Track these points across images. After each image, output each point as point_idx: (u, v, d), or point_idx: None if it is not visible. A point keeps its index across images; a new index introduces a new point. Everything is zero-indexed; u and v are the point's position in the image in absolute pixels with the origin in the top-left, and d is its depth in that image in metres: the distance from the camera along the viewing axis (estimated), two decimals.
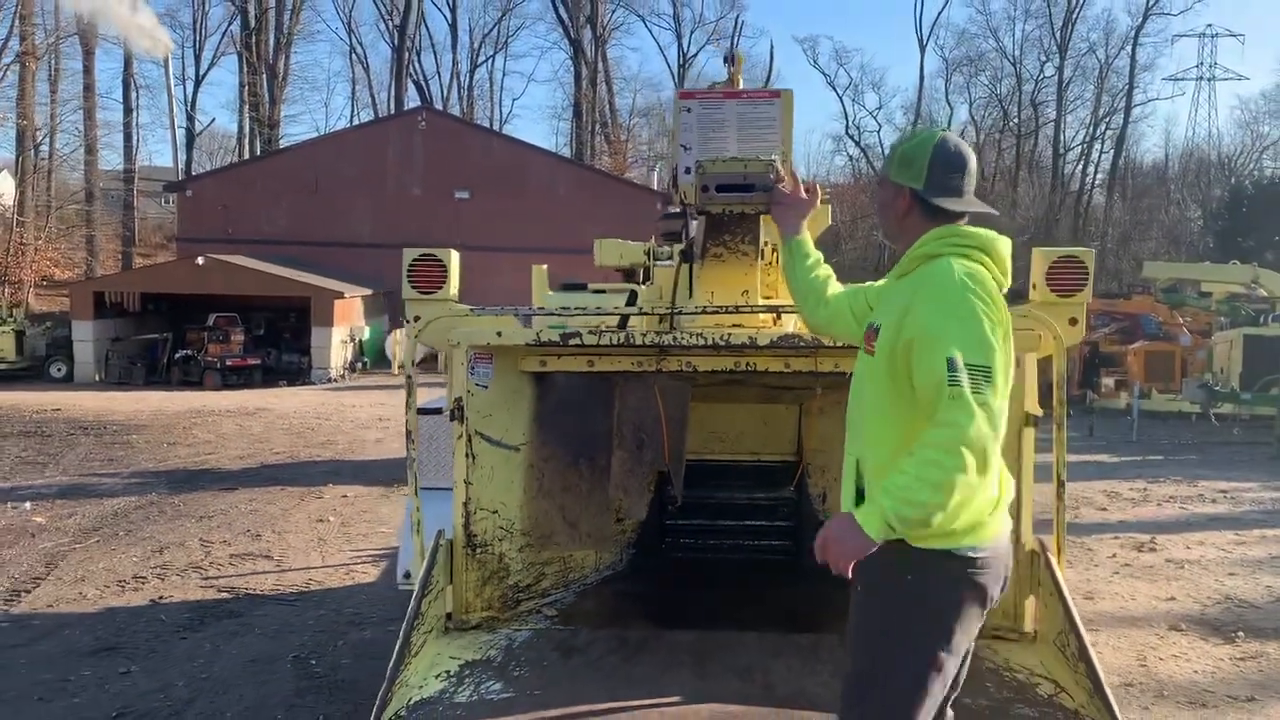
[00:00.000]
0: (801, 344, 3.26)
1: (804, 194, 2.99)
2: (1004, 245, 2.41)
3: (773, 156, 3.28)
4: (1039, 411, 3.54)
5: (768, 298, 3.78)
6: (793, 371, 3.43)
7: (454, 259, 3.64)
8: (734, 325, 3.54)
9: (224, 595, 6.52)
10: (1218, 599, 6.63)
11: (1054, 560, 3.35)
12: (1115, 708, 2.86)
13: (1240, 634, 5.85)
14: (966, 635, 2.34)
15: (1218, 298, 20.91)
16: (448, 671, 3.21)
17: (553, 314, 4.02)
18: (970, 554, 2.26)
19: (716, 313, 3.56)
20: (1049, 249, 3.52)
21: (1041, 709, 3.02)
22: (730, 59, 4.18)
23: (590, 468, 3.82)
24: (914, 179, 2.42)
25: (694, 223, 3.79)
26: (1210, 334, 20.35)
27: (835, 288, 2.80)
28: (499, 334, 3.48)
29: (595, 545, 3.89)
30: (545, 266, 5.18)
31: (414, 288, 3.61)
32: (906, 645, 2.29)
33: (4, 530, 8.43)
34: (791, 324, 3.65)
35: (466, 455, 3.57)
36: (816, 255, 2.85)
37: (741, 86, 4.09)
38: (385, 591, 6.54)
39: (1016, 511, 3.48)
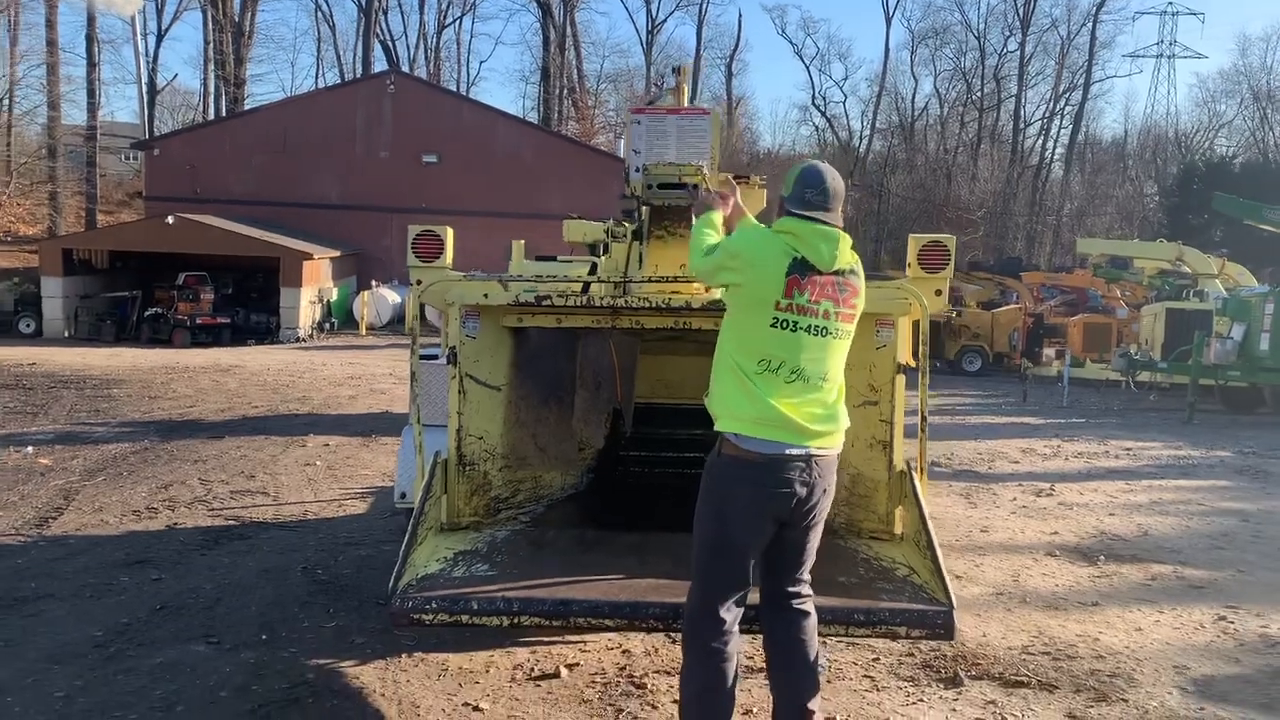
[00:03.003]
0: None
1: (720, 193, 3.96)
2: (808, 230, 3.37)
3: (701, 163, 4.21)
4: (912, 363, 4.50)
5: None
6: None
7: (449, 234, 4.51)
8: (674, 292, 4.46)
9: (231, 522, 7.39)
10: (1094, 534, 7.72)
11: (917, 479, 4.31)
12: (948, 582, 3.82)
13: (1102, 558, 6.93)
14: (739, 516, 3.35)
15: (1149, 273, 22.17)
16: (445, 557, 4.13)
17: (529, 280, 4.91)
18: (732, 439, 3.32)
19: (660, 282, 4.48)
20: (920, 235, 4.47)
21: (897, 584, 3.99)
22: (677, 70, 5.09)
23: (558, 404, 4.75)
24: (785, 190, 3.48)
25: (644, 209, 4.69)
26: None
27: None
28: (485, 295, 4.37)
29: (561, 467, 4.82)
30: (523, 241, 6.08)
31: (417, 256, 4.47)
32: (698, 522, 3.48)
33: (14, 470, 9.20)
34: (720, 291, 4.58)
35: (459, 392, 4.48)
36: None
37: (686, 95, 5.01)
38: (375, 520, 7.47)
39: (889, 440, 4.46)
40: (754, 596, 3.55)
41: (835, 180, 3.46)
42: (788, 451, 3.30)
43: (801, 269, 3.32)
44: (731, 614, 3.40)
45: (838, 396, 3.47)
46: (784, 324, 3.31)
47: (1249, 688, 4.68)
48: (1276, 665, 4.98)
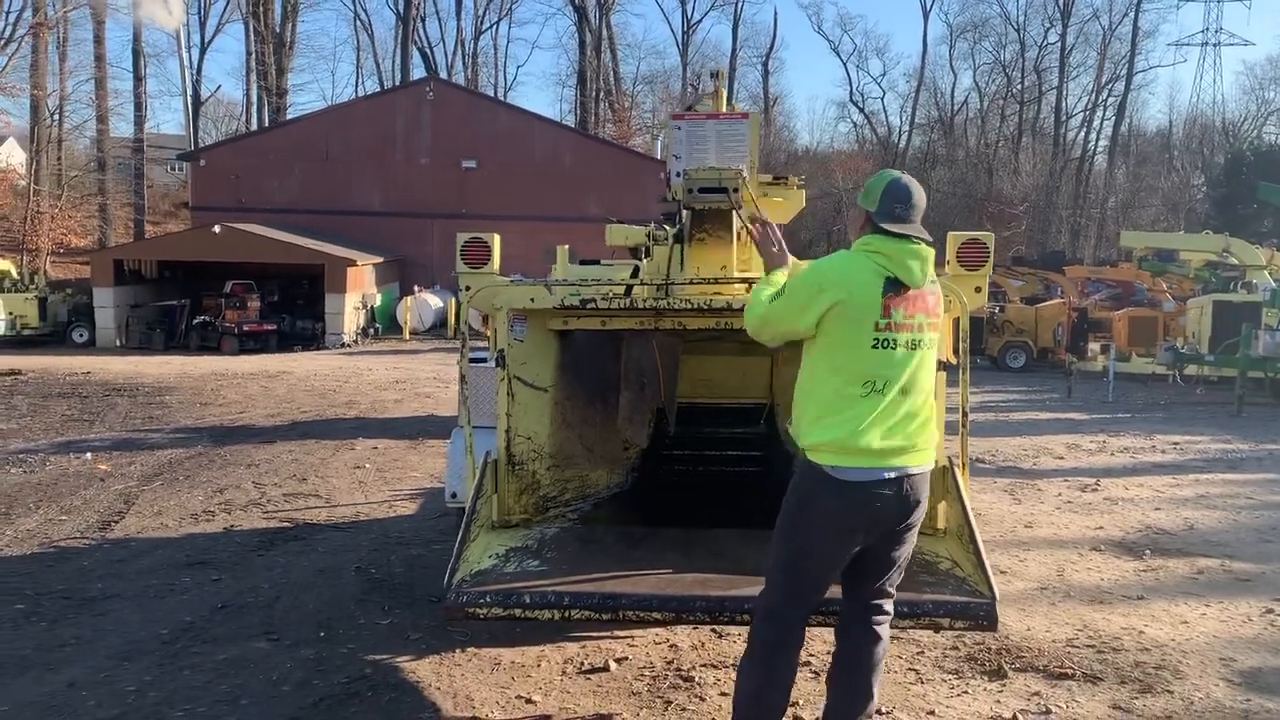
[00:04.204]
0: None
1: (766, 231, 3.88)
2: (899, 250, 3.35)
3: (740, 166, 4.30)
4: (952, 360, 4.55)
5: (741, 272, 4.80)
6: None
7: (496, 241, 4.64)
8: (715, 293, 4.55)
9: (285, 525, 7.59)
10: (1139, 528, 7.68)
11: (959, 474, 4.37)
12: (990, 575, 3.88)
13: (1148, 552, 6.91)
14: (825, 534, 3.36)
15: (1195, 265, 21.86)
16: (497, 554, 4.25)
17: (573, 284, 5.02)
18: (827, 470, 3.30)
19: (701, 284, 4.57)
20: (959, 233, 4.51)
21: (940, 577, 4.05)
22: (715, 74, 5.19)
23: (603, 405, 4.87)
24: (869, 204, 3.44)
25: (685, 213, 4.79)
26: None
27: None
28: (532, 300, 4.49)
29: (607, 466, 4.93)
30: (567, 246, 6.22)
31: (465, 263, 4.60)
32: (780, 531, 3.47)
33: (76, 476, 9.49)
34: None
35: (508, 394, 4.60)
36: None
37: (725, 99, 5.10)
38: (425, 521, 7.64)
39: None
40: (835, 590, 3.57)
41: (920, 193, 3.46)
42: (884, 476, 3.31)
43: (895, 287, 3.32)
44: (801, 619, 3.48)
45: (931, 408, 3.48)
46: (885, 343, 3.31)
47: None
48: None
